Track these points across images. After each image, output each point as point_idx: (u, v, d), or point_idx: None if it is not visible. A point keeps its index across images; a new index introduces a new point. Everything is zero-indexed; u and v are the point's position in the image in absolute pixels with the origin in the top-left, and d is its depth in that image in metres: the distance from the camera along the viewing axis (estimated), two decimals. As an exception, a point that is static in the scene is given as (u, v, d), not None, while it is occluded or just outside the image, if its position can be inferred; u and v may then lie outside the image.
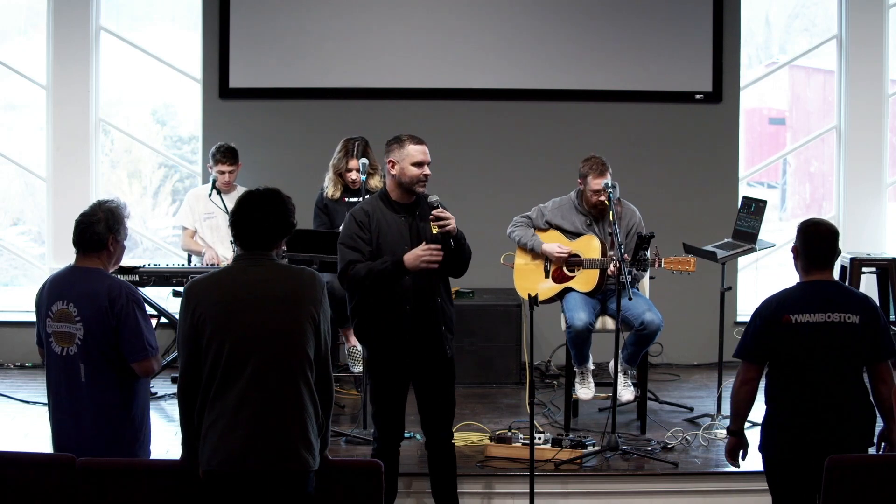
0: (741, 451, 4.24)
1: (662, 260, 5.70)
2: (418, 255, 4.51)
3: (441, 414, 4.73)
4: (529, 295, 4.80)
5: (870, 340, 4.04)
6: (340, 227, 6.24)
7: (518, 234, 6.07)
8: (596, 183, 5.84)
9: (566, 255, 5.90)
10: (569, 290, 5.93)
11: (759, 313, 4.13)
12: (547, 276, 6.00)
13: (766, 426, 4.13)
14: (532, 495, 4.78)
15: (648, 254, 5.61)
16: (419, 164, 4.62)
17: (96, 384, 3.99)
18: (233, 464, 3.54)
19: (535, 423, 5.87)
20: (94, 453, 3.88)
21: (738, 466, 4.34)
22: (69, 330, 3.99)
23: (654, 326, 5.70)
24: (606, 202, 5.71)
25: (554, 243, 5.95)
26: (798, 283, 4.16)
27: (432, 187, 4.75)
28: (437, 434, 4.74)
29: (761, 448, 4.15)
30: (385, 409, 4.69)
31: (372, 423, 5.73)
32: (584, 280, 5.89)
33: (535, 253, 6.01)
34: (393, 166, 4.64)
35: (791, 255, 4.21)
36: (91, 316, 3.96)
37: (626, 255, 5.51)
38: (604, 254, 5.85)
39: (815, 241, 4.11)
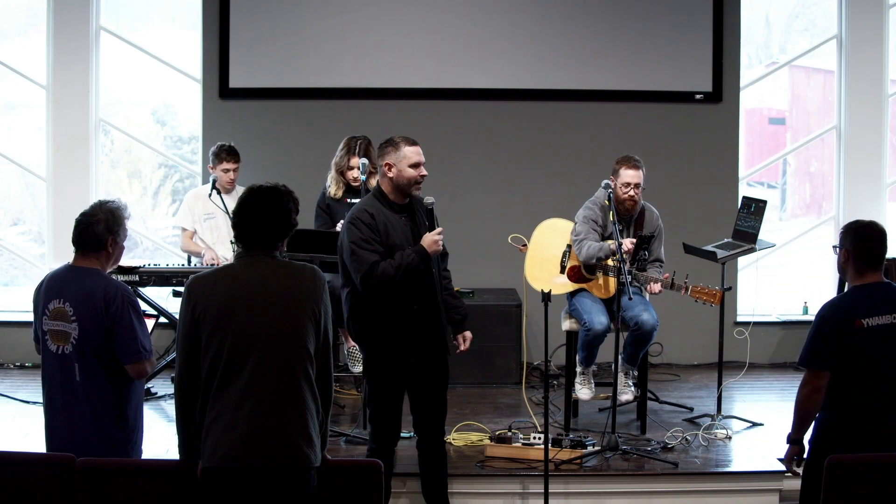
0: (796, 459, 4.21)
1: (690, 287, 5.57)
2: (434, 239, 4.59)
3: (435, 416, 4.76)
4: (543, 291, 4.82)
5: None
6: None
7: (592, 253, 5.75)
8: (627, 175, 5.80)
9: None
10: (580, 289, 5.92)
11: (826, 319, 4.05)
12: (562, 272, 5.97)
13: (828, 428, 4.07)
14: (546, 495, 4.80)
15: (648, 254, 5.59)
16: (416, 166, 4.63)
17: (91, 383, 3.99)
18: (234, 459, 3.54)
19: (535, 423, 5.89)
20: (87, 452, 3.88)
21: (799, 475, 4.25)
22: (65, 329, 3.99)
23: (648, 326, 5.68)
24: (607, 202, 5.68)
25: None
26: (857, 286, 4.10)
27: (433, 188, 4.75)
28: (430, 435, 4.76)
29: (815, 447, 4.09)
30: (384, 411, 4.69)
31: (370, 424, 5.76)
32: (604, 286, 5.87)
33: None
34: (389, 168, 4.63)
35: (838, 256, 4.14)
36: (87, 316, 3.97)
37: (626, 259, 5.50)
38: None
39: (870, 242, 4.08)
